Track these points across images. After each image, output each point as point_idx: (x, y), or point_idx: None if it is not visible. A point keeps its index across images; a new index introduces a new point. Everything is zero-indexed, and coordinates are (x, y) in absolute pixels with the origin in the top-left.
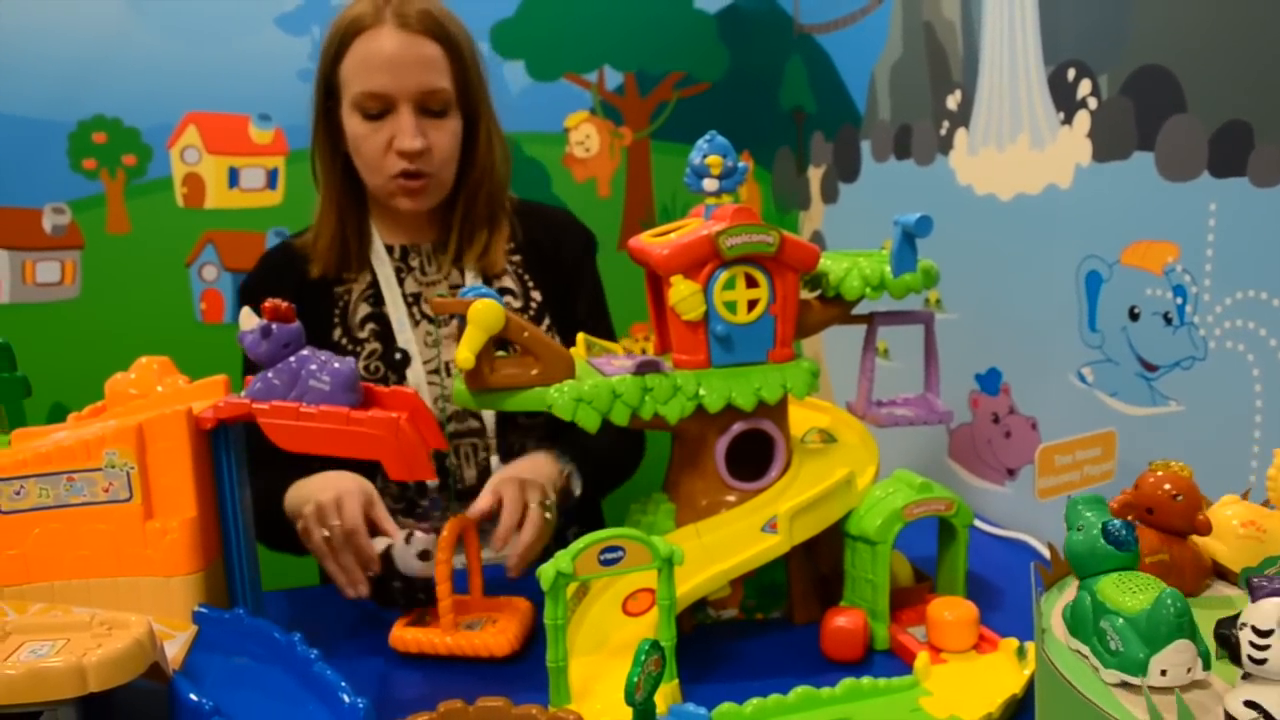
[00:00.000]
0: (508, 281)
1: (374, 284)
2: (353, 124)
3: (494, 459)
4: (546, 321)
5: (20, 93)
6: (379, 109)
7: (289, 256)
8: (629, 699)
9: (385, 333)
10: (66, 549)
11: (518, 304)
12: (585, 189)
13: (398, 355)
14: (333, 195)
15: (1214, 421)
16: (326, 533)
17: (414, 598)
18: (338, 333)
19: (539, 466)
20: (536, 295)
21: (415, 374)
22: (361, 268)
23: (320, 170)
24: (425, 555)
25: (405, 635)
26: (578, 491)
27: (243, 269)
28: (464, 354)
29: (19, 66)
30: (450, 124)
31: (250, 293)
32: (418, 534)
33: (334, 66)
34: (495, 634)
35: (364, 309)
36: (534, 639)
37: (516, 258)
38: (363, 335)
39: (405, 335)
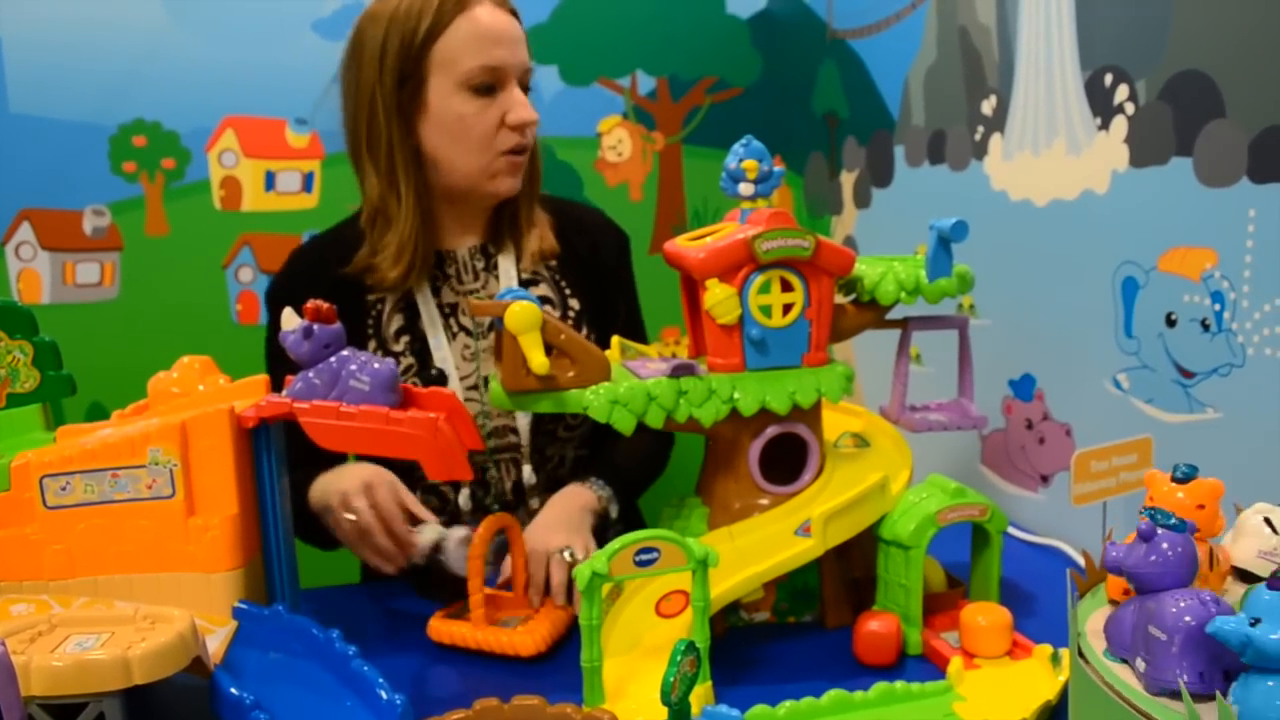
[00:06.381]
0: (544, 289)
1: (408, 294)
2: (456, 104)
3: (526, 468)
4: (585, 329)
5: (62, 97)
6: (491, 82)
7: (320, 257)
8: (665, 699)
9: (421, 346)
10: (110, 544)
11: (556, 313)
12: (617, 193)
13: (434, 371)
14: (412, 197)
15: (1252, 429)
16: (353, 517)
17: (460, 592)
18: (372, 345)
19: (571, 505)
20: (574, 303)
21: (453, 390)
22: (425, 275)
23: (401, 171)
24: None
25: (440, 627)
26: (615, 514)
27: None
28: (539, 359)
29: (61, 71)
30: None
31: (277, 298)
32: (464, 531)
33: (424, 51)
34: (524, 633)
35: (397, 320)
36: (566, 640)
37: (553, 263)
38: (398, 348)
39: (441, 352)
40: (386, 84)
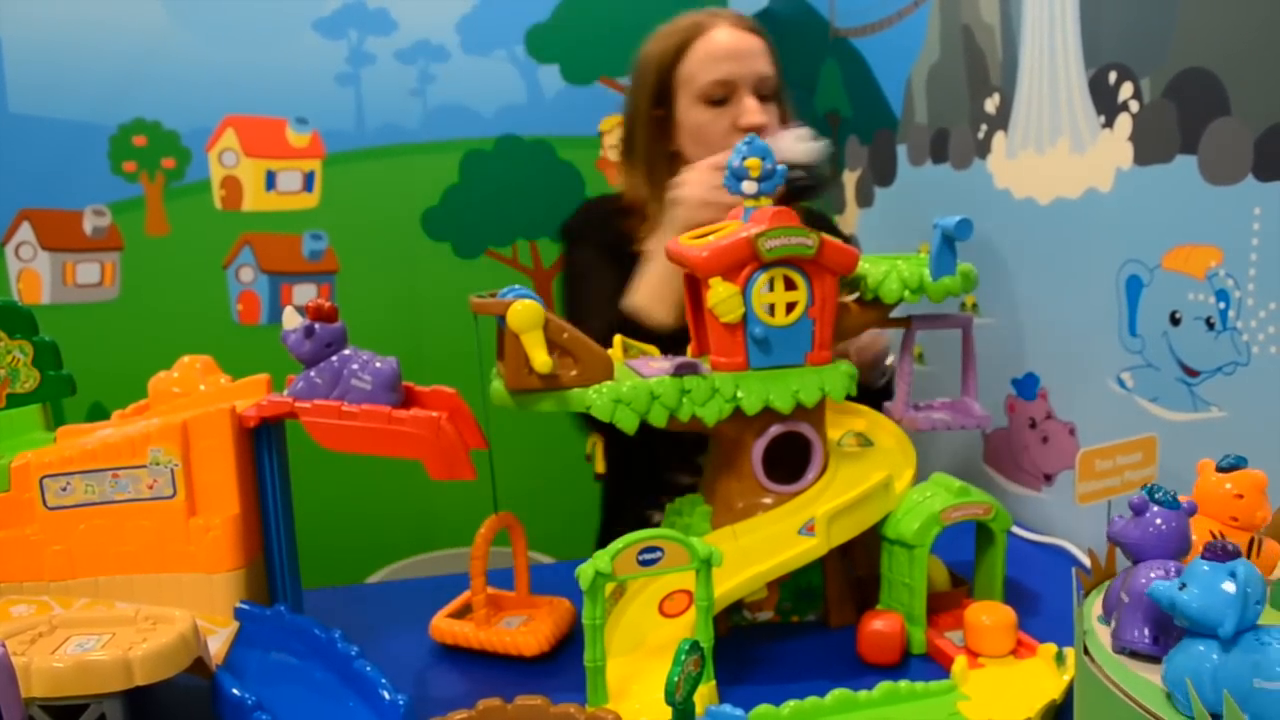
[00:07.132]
0: None
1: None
2: (694, 115)
3: None
4: None
5: (62, 97)
6: (722, 94)
7: (607, 212)
8: (669, 699)
9: None
10: (111, 545)
11: None
12: None
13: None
14: (659, 193)
15: (1257, 428)
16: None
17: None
18: None
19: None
20: None
21: None
22: None
23: (660, 171)
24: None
25: (443, 626)
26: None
27: (279, 271)
28: (542, 358)
29: (61, 71)
30: (775, 110)
31: (571, 234)
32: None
33: (671, 72)
34: (526, 633)
35: None
36: (570, 640)
37: None
38: None
39: None
40: (646, 105)
